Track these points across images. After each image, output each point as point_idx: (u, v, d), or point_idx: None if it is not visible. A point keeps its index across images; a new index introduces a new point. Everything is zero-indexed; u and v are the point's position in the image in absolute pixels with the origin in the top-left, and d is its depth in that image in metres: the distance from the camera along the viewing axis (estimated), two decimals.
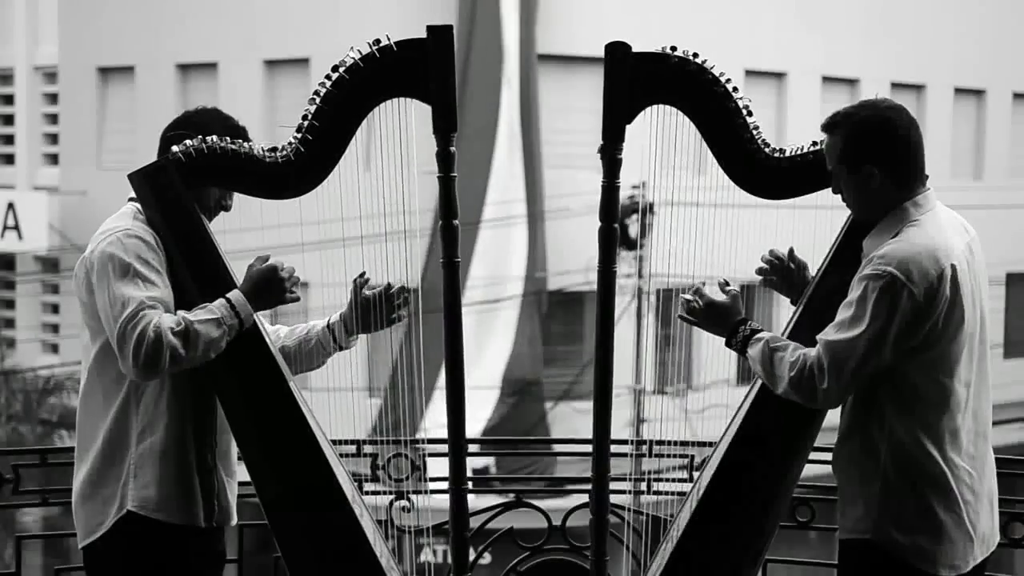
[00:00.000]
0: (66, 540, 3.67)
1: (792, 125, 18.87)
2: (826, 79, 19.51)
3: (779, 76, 19.15)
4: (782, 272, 3.80)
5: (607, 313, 3.71)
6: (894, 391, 3.36)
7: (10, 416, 18.02)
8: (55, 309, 21.90)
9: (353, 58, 3.52)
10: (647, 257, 16.21)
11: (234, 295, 3.52)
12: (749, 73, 18.28)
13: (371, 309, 3.81)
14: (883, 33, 19.95)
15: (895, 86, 19.85)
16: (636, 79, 3.60)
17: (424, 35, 3.56)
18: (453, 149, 3.62)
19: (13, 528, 15.73)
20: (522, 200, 17.13)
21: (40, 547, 16.83)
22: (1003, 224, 19.77)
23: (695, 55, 3.61)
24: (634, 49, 3.61)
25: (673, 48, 3.61)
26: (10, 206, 20.75)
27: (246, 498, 3.78)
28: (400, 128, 3.59)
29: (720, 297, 3.63)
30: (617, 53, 3.60)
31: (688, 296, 3.65)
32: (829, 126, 3.46)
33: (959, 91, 21.15)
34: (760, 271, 3.81)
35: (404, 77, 3.55)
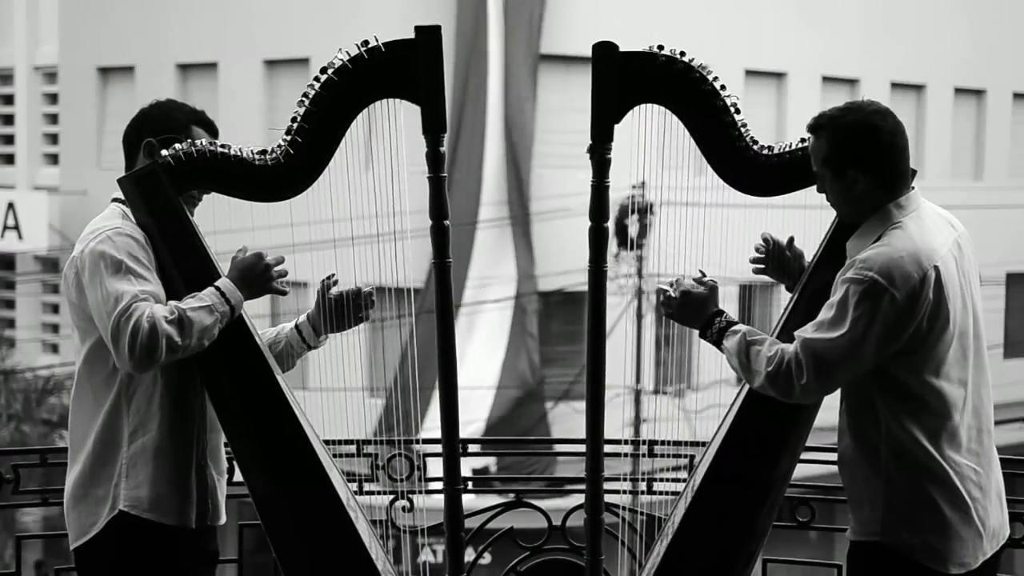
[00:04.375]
0: (66, 540, 3.67)
1: (792, 125, 18.87)
2: (826, 79, 19.50)
3: (779, 76, 19.15)
4: (776, 261, 3.80)
5: (598, 314, 3.70)
6: (885, 391, 3.36)
7: (10, 416, 18.01)
8: (55, 309, 21.90)
9: (341, 59, 3.51)
10: (647, 257, 16.23)
11: (223, 282, 3.52)
12: (749, 73, 18.29)
13: (340, 309, 3.82)
14: (883, 33, 19.94)
15: (895, 86, 19.86)
16: (624, 79, 3.59)
17: (413, 35, 3.55)
18: (443, 149, 3.61)
19: (13, 528, 15.74)
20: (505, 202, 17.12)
21: (40, 547, 16.84)
22: (1003, 224, 19.78)
23: (682, 53, 3.59)
24: (625, 49, 3.60)
25: (660, 47, 3.59)
26: (10, 206, 20.76)
27: (246, 498, 3.78)
28: (392, 129, 3.58)
29: (697, 288, 3.62)
30: (604, 53, 3.59)
31: (665, 287, 3.65)
32: (814, 128, 3.44)
33: (959, 91, 21.15)
34: (754, 260, 3.82)
35: (393, 78, 3.54)
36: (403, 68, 3.53)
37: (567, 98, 17.23)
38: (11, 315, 22.60)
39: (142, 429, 3.52)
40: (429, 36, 3.55)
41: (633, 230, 16.16)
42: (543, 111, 17.53)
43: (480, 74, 17.02)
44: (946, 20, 20.69)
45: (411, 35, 3.55)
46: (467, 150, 16.95)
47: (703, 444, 4.17)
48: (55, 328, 21.79)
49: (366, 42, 3.52)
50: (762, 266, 3.82)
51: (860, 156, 3.37)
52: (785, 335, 3.54)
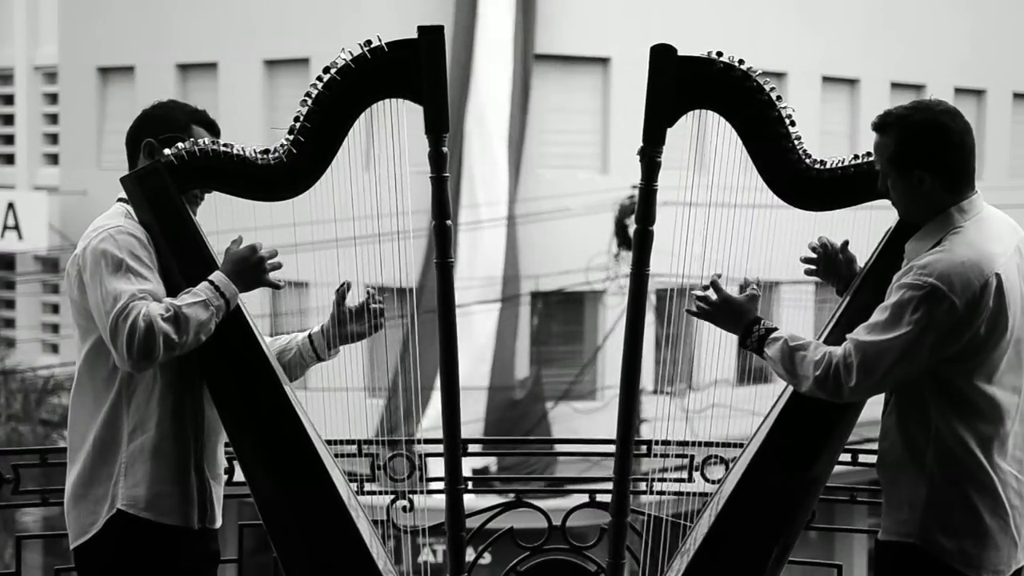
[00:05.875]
0: (66, 540, 3.67)
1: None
2: (826, 79, 19.50)
3: (779, 76, 19.14)
4: (828, 262, 3.79)
5: (638, 314, 3.72)
6: (938, 395, 3.34)
7: (10, 416, 18.01)
8: (55, 309, 21.90)
9: (344, 59, 3.51)
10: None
11: (216, 276, 3.52)
12: None
13: (353, 321, 3.82)
14: (883, 33, 19.94)
15: (895, 86, 19.85)
16: (680, 83, 3.58)
17: (416, 35, 3.55)
18: (445, 149, 3.62)
19: (13, 528, 15.73)
20: (499, 202, 17.07)
21: (40, 547, 16.84)
22: None
23: (740, 61, 3.59)
24: (648, 53, 3.59)
25: (719, 53, 3.58)
26: (10, 206, 20.75)
27: (246, 498, 3.78)
28: (393, 128, 3.59)
29: (736, 294, 3.61)
30: (662, 56, 3.58)
31: (700, 293, 3.64)
32: (881, 126, 3.41)
33: (959, 91, 21.13)
34: (806, 259, 3.81)
35: (396, 78, 3.55)
36: (406, 68, 3.54)
37: (568, 98, 17.25)
38: (11, 315, 22.60)
39: (141, 428, 3.52)
40: (432, 36, 3.55)
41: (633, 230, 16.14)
42: (541, 111, 17.50)
43: (465, 74, 16.99)
44: (946, 20, 20.68)
45: (413, 35, 3.56)
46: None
47: (703, 444, 4.17)
48: (55, 328, 21.79)
49: (369, 42, 3.53)
50: (813, 267, 3.81)
51: (928, 156, 3.34)
52: (832, 339, 3.53)
